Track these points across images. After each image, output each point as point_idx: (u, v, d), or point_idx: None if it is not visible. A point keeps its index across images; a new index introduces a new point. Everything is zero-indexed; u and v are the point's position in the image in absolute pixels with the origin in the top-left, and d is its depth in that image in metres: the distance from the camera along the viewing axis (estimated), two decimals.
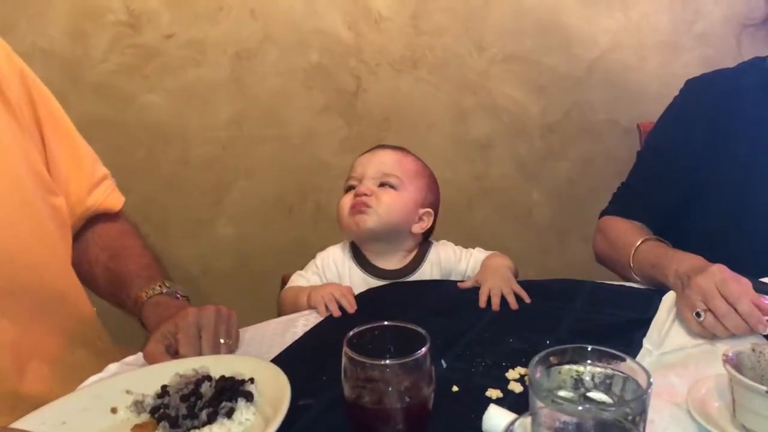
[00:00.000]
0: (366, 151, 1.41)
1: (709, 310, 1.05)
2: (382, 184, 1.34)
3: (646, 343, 1.07)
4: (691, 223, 1.45)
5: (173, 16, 1.94)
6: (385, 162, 1.36)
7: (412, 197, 1.36)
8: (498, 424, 0.78)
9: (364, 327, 0.81)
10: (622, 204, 1.50)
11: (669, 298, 1.19)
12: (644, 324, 1.12)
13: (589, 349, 0.68)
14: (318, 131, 2.08)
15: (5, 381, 1.05)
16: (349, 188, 1.37)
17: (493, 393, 0.93)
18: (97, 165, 1.27)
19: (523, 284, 1.27)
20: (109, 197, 1.27)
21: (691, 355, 1.04)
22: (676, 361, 1.03)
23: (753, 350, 0.90)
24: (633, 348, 1.05)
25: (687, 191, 1.43)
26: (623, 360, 0.69)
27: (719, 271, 1.07)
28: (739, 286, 1.04)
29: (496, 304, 1.19)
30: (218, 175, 2.07)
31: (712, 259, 1.14)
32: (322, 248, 1.42)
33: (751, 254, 1.31)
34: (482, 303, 1.21)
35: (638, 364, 0.67)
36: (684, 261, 1.17)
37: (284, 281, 1.45)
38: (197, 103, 2.01)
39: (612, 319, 1.15)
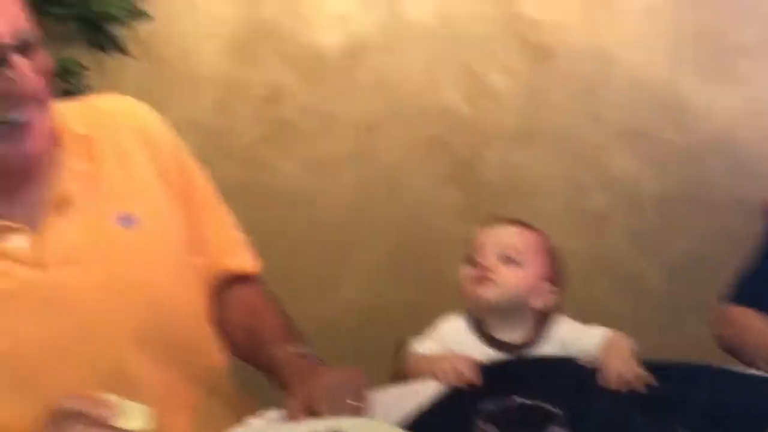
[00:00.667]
0: (488, 225, 1.47)
1: None
2: (504, 259, 1.40)
3: None
4: None
5: (308, 92, 2.11)
6: (507, 237, 1.40)
7: (535, 272, 1.39)
8: None
9: (495, 402, 0.86)
10: (753, 294, 1.45)
11: None
12: None
13: None
14: (436, 200, 2.17)
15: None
16: (471, 260, 1.43)
17: None
18: (236, 230, 1.36)
19: (646, 363, 1.28)
20: (246, 261, 1.36)
21: None
22: None
23: None
24: None
25: None
26: None
27: None
28: None
29: (620, 387, 1.21)
30: (342, 240, 2.19)
31: None
32: (438, 315, 1.48)
33: None
34: (612, 384, 1.22)
35: None
36: None
37: (400, 346, 1.52)
38: (326, 172, 2.15)
39: (741, 409, 1.13)
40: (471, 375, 1.24)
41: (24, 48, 0.98)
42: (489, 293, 1.36)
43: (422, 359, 1.35)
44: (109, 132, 1.16)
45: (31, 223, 1.05)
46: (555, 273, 1.44)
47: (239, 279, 1.37)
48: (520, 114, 2.13)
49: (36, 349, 1.02)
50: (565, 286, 1.45)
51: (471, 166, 2.17)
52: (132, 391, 1.02)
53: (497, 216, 1.48)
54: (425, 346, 1.41)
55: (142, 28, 1.96)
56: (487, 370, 1.28)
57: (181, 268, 1.21)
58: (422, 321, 1.49)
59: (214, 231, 1.31)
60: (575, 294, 2.13)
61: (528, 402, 0.86)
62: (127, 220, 1.12)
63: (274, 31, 2.07)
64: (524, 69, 2.11)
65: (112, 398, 0.91)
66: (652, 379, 1.22)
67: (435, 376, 1.28)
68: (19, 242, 1.03)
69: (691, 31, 2.03)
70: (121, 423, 0.88)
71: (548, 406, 0.84)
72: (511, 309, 1.38)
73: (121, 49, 1.97)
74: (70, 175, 1.09)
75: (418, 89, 2.12)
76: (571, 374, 1.27)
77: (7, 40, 0.95)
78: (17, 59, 0.96)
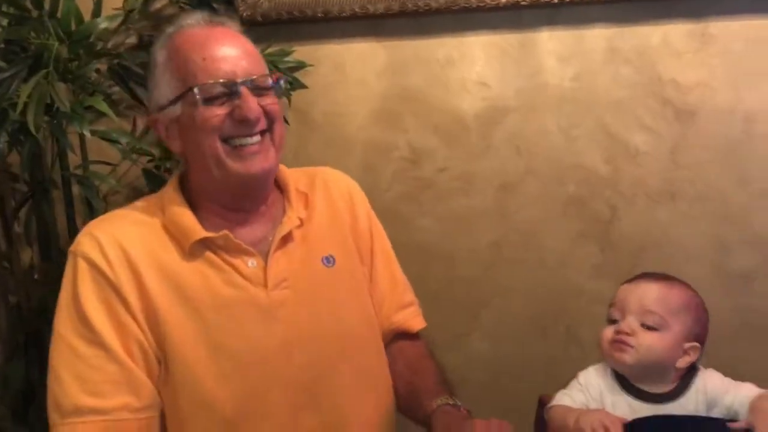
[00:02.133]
0: (630, 280, 1.47)
1: None
2: (645, 322, 1.39)
3: None
4: None
5: (447, 153, 2.23)
6: (648, 297, 1.39)
7: (676, 336, 1.38)
8: None
9: None
10: None
11: None
12: None
13: None
14: (572, 257, 2.20)
15: None
16: (611, 320, 1.44)
17: None
18: (408, 291, 1.57)
19: None
20: (413, 320, 1.55)
21: None
22: None
23: None
24: None
25: None
26: None
27: None
28: None
29: None
30: (477, 294, 2.26)
31: None
32: (573, 371, 1.50)
33: None
34: None
35: None
36: None
37: (541, 402, 1.55)
38: (463, 228, 2.24)
39: None
40: (615, 430, 1.26)
41: (254, 88, 1.27)
42: (627, 359, 1.38)
43: (569, 411, 1.38)
44: (324, 194, 1.47)
45: (262, 252, 1.33)
46: (700, 329, 1.43)
47: (404, 335, 1.52)
48: (661, 174, 2.13)
49: (256, 347, 1.27)
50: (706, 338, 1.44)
51: (608, 223, 2.19)
52: (326, 393, 1.31)
53: (642, 271, 1.49)
54: (570, 396, 1.44)
55: (300, 98, 2.16)
56: (631, 427, 1.30)
57: (367, 306, 1.46)
58: (557, 376, 1.53)
59: (390, 288, 1.52)
60: (720, 354, 2.08)
61: None
62: (328, 260, 1.40)
63: (417, 98, 2.21)
64: (666, 129, 2.12)
65: None
66: None
67: (580, 430, 1.31)
68: (252, 265, 1.30)
69: None
70: None
71: None
72: (652, 372, 1.39)
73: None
74: (291, 220, 1.38)
75: (555, 150, 2.18)
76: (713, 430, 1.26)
77: (240, 78, 1.26)
78: (245, 92, 1.25)
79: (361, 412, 1.37)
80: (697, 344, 1.42)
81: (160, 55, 1.31)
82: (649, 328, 1.38)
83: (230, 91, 1.24)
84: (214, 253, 1.29)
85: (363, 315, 1.44)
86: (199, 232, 1.28)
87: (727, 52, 2.07)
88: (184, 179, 1.38)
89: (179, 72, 1.27)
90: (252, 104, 1.24)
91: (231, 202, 1.33)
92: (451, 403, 1.35)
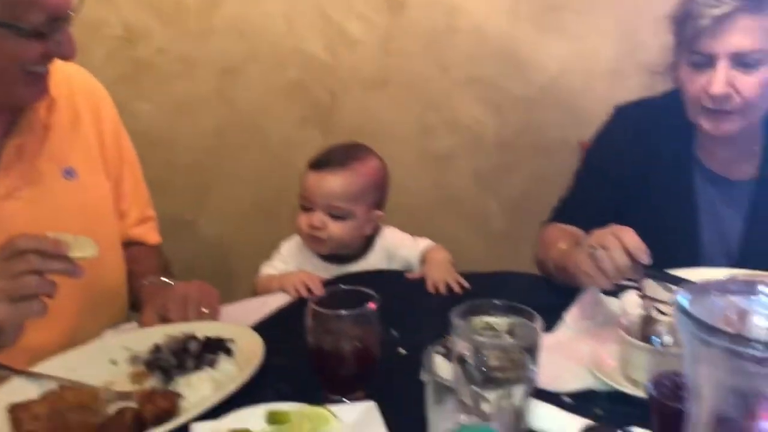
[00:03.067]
0: (316, 167, 1.51)
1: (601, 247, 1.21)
2: (332, 213, 1.48)
3: (566, 317, 1.27)
4: None
5: (166, 33, 2.13)
6: (333, 190, 1.48)
7: (362, 216, 1.51)
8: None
9: (327, 289, 1.00)
10: (561, 215, 1.68)
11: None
12: (568, 305, 1.33)
13: (496, 302, 0.88)
14: (295, 141, 2.27)
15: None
16: (303, 207, 1.54)
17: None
18: (149, 206, 1.56)
19: (468, 274, 1.48)
20: (148, 234, 1.54)
21: (599, 330, 1.24)
22: (586, 334, 1.23)
23: (643, 318, 1.11)
24: (555, 321, 1.26)
25: (617, 205, 1.63)
26: (525, 311, 0.89)
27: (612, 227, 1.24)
28: (627, 230, 1.21)
29: (442, 291, 1.39)
30: (200, 180, 2.25)
31: None
32: None
33: None
34: (432, 290, 1.41)
35: (533, 312, 0.87)
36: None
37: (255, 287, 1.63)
38: (184, 113, 2.19)
39: (542, 300, 1.34)
40: (314, 287, 1.39)
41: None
42: (323, 249, 1.51)
43: (272, 278, 1.48)
44: (67, 98, 1.32)
45: None
46: (382, 194, 1.57)
47: (139, 245, 1.52)
48: (375, 62, 2.26)
49: None
50: (391, 203, 1.58)
51: (329, 109, 2.28)
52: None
53: (330, 147, 1.55)
54: (273, 266, 1.55)
55: None
56: (328, 283, 1.43)
57: (107, 222, 1.39)
58: None
59: (134, 203, 1.49)
60: (423, 226, 2.32)
61: (354, 289, 1.01)
62: (69, 173, 1.30)
63: None
64: (378, 18, 2.23)
65: (63, 235, 1.02)
66: (468, 285, 1.42)
67: (285, 290, 1.42)
68: None
69: None
70: (73, 253, 1.00)
71: (369, 291, 0.98)
72: (345, 249, 1.54)
73: None
74: (32, 127, 1.25)
75: (277, 35, 2.20)
76: (396, 283, 1.45)
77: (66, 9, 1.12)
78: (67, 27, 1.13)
79: (92, 328, 1.31)
80: (380, 212, 1.57)
81: None
82: (338, 217, 1.49)
83: (56, 26, 1.12)
84: None
85: (105, 231, 1.36)
86: None
87: None
88: None
89: None
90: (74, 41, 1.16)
91: None
92: (162, 281, 1.37)
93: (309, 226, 1.49)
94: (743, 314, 0.48)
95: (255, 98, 2.24)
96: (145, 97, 2.17)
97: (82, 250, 1.02)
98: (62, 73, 1.28)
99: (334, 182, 1.48)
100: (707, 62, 1.39)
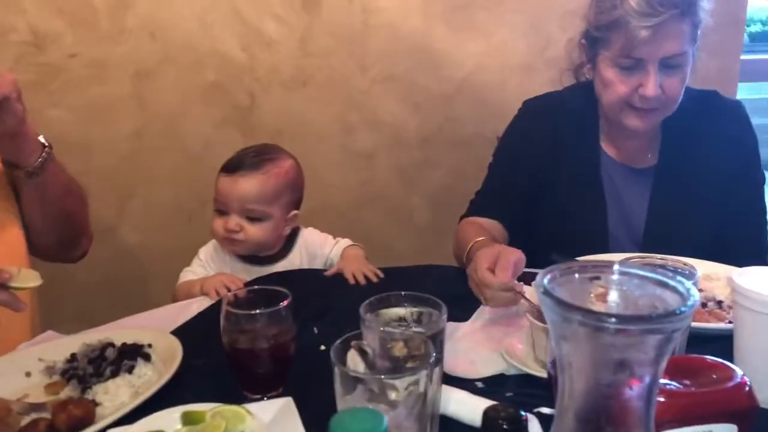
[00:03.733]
0: (226, 170, 1.51)
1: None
2: (248, 216, 1.49)
3: (482, 306, 1.32)
4: (534, 223, 1.72)
5: (76, 37, 2.08)
6: (247, 193, 1.48)
7: (278, 217, 1.52)
8: None
9: (239, 290, 1.02)
10: (477, 207, 1.75)
11: None
12: None
13: (403, 294, 0.92)
14: (215, 143, 2.26)
15: None
16: (219, 211, 1.53)
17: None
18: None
19: (391, 269, 1.52)
20: None
21: (511, 317, 1.30)
22: (499, 321, 1.29)
23: None
24: (472, 310, 1.31)
25: (530, 194, 1.70)
26: (431, 301, 0.93)
27: (478, 270, 1.28)
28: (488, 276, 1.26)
29: (361, 281, 1.43)
30: (119, 185, 2.21)
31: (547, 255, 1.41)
32: None
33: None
34: (351, 281, 1.44)
35: (439, 301, 0.91)
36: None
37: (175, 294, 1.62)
38: (100, 118, 2.15)
39: (461, 291, 1.38)
40: (235, 288, 1.39)
41: None
42: (240, 250, 1.52)
43: (193, 283, 1.48)
44: None
45: None
46: (298, 194, 1.59)
47: None
48: (293, 62, 2.26)
49: None
50: (307, 198, 1.60)
51: (248, 110, 2.28)
52: None
53: (241, 152, 1.56)
54: (192, 271, 1.55)
55: None
56: (250, 284, 1.44)
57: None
58: None
59: None
60: (350, 223, 2.35)
61: (268, 288, 1.03)
62: None
63: None
64: (294, 18, 2.24)
65: (6, 267, 1.05)
66: (381, 274, 1.46)
67: (206, 293, 1.42)
68: None
69: None
70: (18, 283, 1.04)
71: (282, 289, 1.01)
72: (264, 247, 1.55)
73: None
74: None
75: (192, 36, 2.18)
76: (315, 281, 1.48)
77: None
78: None
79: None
80: (296, 212, 1.58)
81: None
82: (254, 219, 1.50)
83: None
84: None
85: None
86: None
87: None
88: None
89: None
90: None
91: None
92: None
93: (225, 230, 1.50)
94: (604, 293, 0.53)
95: (172, 101, 2.21)
96: (58, 103, 2.12)
97: (24, 281, 1.03)
98: None
99: (247, 185, 1.48)
100: (637, 66, 1.46)
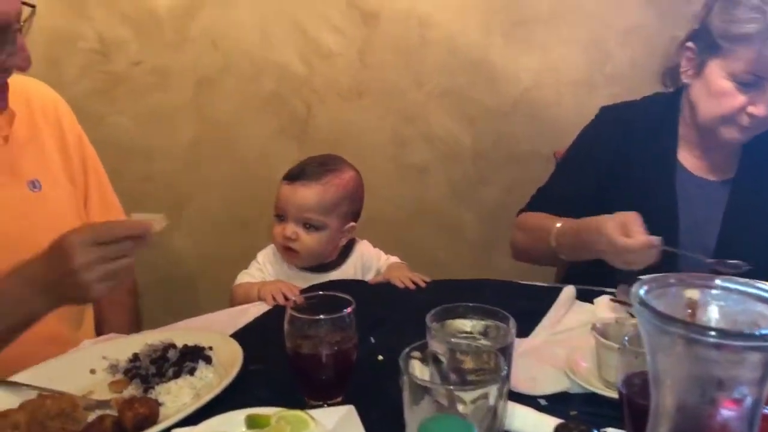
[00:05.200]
0: (288, 178, 1.53)
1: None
2: (305, 225, 1.50)
3: (544, 321, 1.30)
4: None
5: (141, 45, 2.14)
6: (305, 202, 1.49)
7: (336, 227, 1.53)
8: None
9: (305, 296, 1.02)
10: (539, 202, 1.72)
11: (567, 292, 1.42)
12: (545, 311, 1.35)
13: (470, 305, 0.91)
14: (271, 153, 2.29)
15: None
16: (277, 215, 1.55)
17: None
18: (121, 214, 1.55)
19: (446, 282, 1.51)
20: None
21: (573, 334, 1.27)
22: (562, 338, 1.26)
23: (616, 322, 1.14)
24: (532, 326, 1.29)
25: (592, 200, 1.67)
26: (498, 314, 0.91)
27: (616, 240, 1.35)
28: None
29: (410, 285, 1.44)
30: (178, 191, 2.25)
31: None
32: None
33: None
34: (400, 285, 1.47)
35: (507, 315, 0.90)
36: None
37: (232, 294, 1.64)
38: (161, 125, 2.20)
39: (519, 306, 1.36)
40: (291, 296, 1.40)
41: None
42: (297, 261, 1.53)
43: (250, 286, 1.50)
44: (25, 110, 1.32)
45: None
46: (357, 206, 1.59)
47: None
48: (350, 74, 2.28)
49: None
50: (370, 218, 1.61)
51: (305, 120, 2.30)
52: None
53: (304, 161, 1.57)
54: (250, 274, 1.56)
55: None
56: (305, 291, 1.44)
57: (75, 224, 1.37)
58: None
59: (102, 211, 1.49)
60: (400, 237, 2.35)
61: (331, 294, 1.03)
62: (34, 185, 1.31)
63: None
64: (353, 31, 2.26)
65: (143, 215, 1.15)
66: (427, 278, 1.47)
67: (263, 298, 1.43)
68: None
69: (497, 0, 2.28)
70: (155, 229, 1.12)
71: (346, 296, 1.00)
72: (320, 257, 1.56)
73: None
74: None
75: (252, 46, 2.22)
76: (369, 291, 1.48)
77: (15, 19, 1.13)
78: (20, 37, 1.14)
79: (69, 336, 1.32)
80: (354, 224, 1.58)
81: None
82: (311, 228, 1.51)
83: (5, 37, 1.12)
84: None
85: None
86: None
87: None
88: None
89: None
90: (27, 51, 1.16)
91: None
92: None
93: (283, 237, 1.51)
94: (701, 306, 0.51)
95: (230, 109, 2.25)
96: (121, 109, 2.17)
97: (159, 224, 1.13)
98: (19, 87, 1.28)
99: (306, 194, 1.49)
100: (756, 83, 1.42)
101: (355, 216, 1.59)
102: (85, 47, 2.11)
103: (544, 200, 1.71)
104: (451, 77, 2.33)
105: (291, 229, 1.50)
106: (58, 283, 1.05)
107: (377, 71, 2.31)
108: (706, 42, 1.50)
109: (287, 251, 1.52)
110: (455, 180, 2.40)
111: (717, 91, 1.48)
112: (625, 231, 1.33)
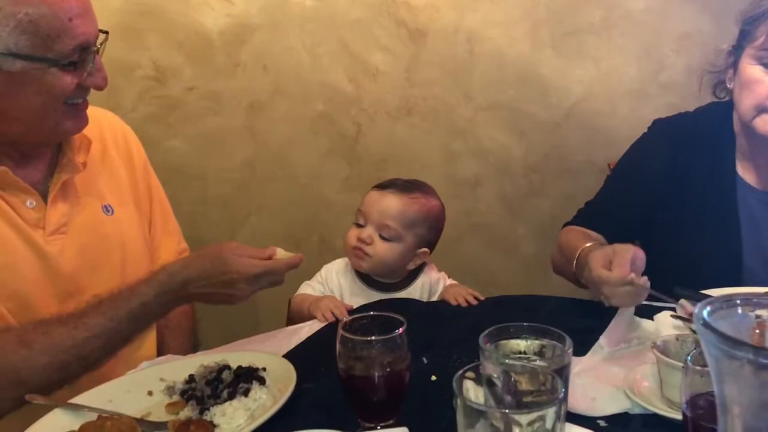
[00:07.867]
0: (381, 186, 1.55)
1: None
2: (382, 234, 1.51)
3: (601, 340, 1.26)
4: (650, 250, 1.63)
5: (194, 71, 2.19)
6: (389, 209, 1.50)
7: (408, 246, 1.52)
8: None
9: (355, 316, 1.01)
10: (585, 217, 1.69)
11: (625, 308, 1.38)
12: (602, 328, 1.31)
13: (525, 325, 0.88)
14: (322, 172, 2.31)
15: None
16: (357, 223, 1.56)
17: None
18: (181, 238, 1.61)
19: (500, 298, 1.48)
20: (172, 248, 1.57)
21: (633, 352, 1.23)
22: (621, 356, 1.22)
23: (677, 339, 1.09)
24: (589, 343, 1.25)
25: (642, 216, 1.62)
26: (554, 333, 0.89)
27: (593, 269, 1.27)
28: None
29: (463, 303, 1.43)
30: (232, 213, 2.29)
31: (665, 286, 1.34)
32: None
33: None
34: (453, 302, 1.47)
35: (564, 334, 0.87)
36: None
37: (290, 304, 1.66)
38: (214, 148, 2.24)
39: (575, 323, 1.33)
40: (339, 314, 1.40)
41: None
42: (364, 265, 1.53)
43: (305, 299, 1.51)
44: (98, 138, 1.39)
45: (41, 193, 1.27)
46: (433, 235, 1.59)
47: None
48: (398, 92, 2.29)
49: (31, 291, 1.24)
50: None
51: (354, 139, 2.32)
52: None
53: (396, 179, 1.58)
54: (311, 286, 1.58)
55: None
56: (356, 309, 1.44)
57: (142, 254, 1.46)
58: None
59: (165, 238, 1.55)
60: (452, 253, 2.33)
61: (383, 314, 1.02)
62: (107, 209, 1.37)
63: (159, 13, 2.14)
64: (401, 48, 2.27)
65: (282, 252, 1.34)
66: (481, 296, 1.46)
67: (313, 315, 1.44)
68: (30, 204, 1.25)
69: (546, 12, 2.25)
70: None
71: (397, 316, 0.99)
72: (385, 274, 1.56)
73: None
74: (73, 164, 1.30)
75: (301, 68, 2.25)
76: (423, 310, 1.46)
77: (95, 41, 1.19)
78: (99, 59, 1.21)
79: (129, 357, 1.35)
80: (426, 250, 1.58)
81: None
82: (386, 239, 1.51)
83: (86, 57, 1.18)
84: None
85: (138, 265, 1.42)
86: None
87: None
88: None
89: (36, 27, 1.11)
90: (105, 71, 1.22)
91: (30, 149, 1.27)
92: None
93: (358, 239, 1.51)
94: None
95: (282, 131, 2.28)
96: (176, 134, 2.23)
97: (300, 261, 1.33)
98: (92, 116, 1.32)
99: (393, 202, 1.51)
100: None
101: (431, 245, 1.58)
102: (140, 74, 2.17)
103: (590, 215, 1.67)
104: (500, 91, 2.31)
105: (368, 232, 1.51)
106: (213, 295, 1.27)
107: (425, 88, 2.30)
108: (738, 40, 1.47)
109: (357, 252, 1.52)
110: (507, 194, 2.37)
111: (748, 80, 1.44)
112: (608, 263, 1.24)
